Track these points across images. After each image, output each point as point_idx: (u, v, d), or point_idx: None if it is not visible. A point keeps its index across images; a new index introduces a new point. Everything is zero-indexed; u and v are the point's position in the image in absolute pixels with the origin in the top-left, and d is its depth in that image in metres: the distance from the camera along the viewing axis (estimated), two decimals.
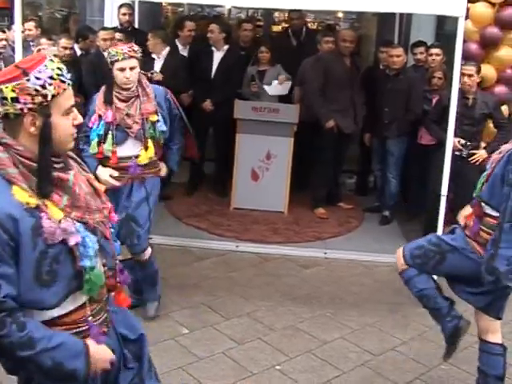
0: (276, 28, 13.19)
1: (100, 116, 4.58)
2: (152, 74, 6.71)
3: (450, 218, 5.08)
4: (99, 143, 4.58)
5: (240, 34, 8.31)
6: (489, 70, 6.47)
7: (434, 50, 7.07)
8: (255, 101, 7.39)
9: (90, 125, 4.58)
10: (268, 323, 5.00)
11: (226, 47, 7.54)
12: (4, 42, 7.02)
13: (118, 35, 7.00)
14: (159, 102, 4.69)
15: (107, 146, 4.58)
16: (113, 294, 2.46)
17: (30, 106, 2.05)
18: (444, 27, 8.64)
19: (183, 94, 7.09)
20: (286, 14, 11.18)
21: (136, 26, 8.24)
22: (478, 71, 6.02)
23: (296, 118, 7.11)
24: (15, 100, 2.04)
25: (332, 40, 7.45)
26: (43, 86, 2.05)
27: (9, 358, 2.14)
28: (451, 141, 5.56)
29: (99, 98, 4.64)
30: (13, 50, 6.98)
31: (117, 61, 4.45)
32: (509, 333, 4.81)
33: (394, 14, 8.37)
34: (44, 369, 2.10)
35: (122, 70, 4.48)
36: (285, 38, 8.63)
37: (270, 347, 4.65)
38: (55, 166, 2.16)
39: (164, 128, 4.69)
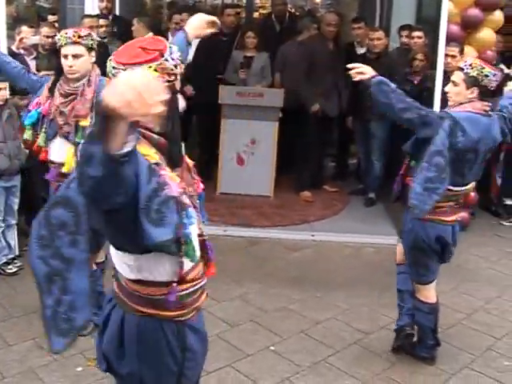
0: (256, 14, 13.15)
1: (39, 104, 4.14)
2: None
3: None
4: (34, 131, 4.18)
5: (223, 20, 8.25)
6: (470, 52, 6.53)
7: (416, 33, 7.11)
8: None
9: (31, 108, 4.17)
10: (260, 305, 5.05)
11: None
12: None
13: (102, 21, 6.95)
14: None
15: (40, 141, 4.16)
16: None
17: (166, 84, 2.13)
18: (424, 10, 8.68)
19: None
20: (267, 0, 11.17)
21: (117, 13, 8.22)
22: (461, 52, 6.10)
23: (281, 103, 7.10)
24: None
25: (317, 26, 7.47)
26: (175, 66, 2.18)
27: None
28: None
29: (47, 85, 4.20)
30: None
31: (61, 46, 4.01)
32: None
33: None
34: None
35: (65, 56, 4.02)
36: (268, 24, 8.61)
37: (263, 329, 4.70)
38: None
39: None
